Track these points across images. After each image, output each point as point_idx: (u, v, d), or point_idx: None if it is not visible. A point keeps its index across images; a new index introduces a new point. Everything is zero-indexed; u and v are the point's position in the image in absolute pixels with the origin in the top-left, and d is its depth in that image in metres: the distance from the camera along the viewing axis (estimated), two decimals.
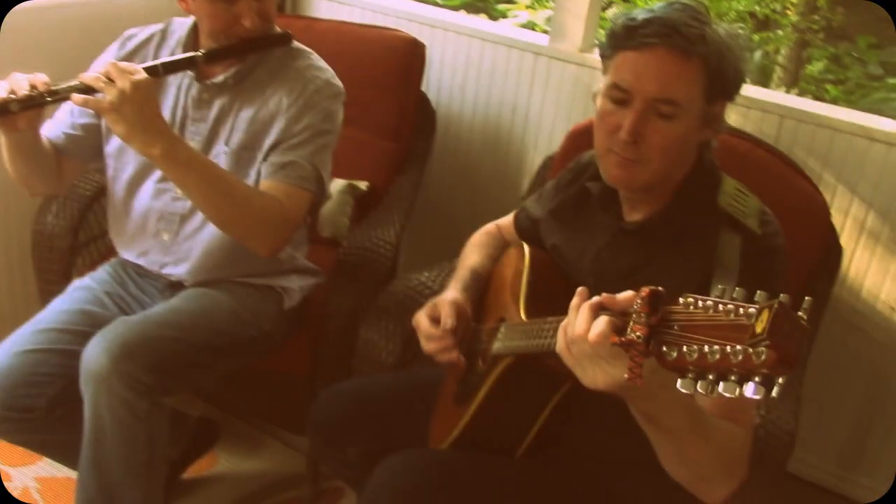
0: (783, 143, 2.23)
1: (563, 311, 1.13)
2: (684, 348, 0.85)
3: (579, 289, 1.09)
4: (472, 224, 1.88)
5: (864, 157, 2.17)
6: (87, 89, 1.57)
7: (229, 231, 1.73)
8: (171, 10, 1.81)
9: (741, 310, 0.82)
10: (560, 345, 1.08)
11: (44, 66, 1.66)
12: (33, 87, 1.58)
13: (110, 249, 2.06)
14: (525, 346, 1.31)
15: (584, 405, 1.37)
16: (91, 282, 1.95)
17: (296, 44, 1.87)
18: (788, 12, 5.96)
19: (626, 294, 1.01)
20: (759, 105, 2.27)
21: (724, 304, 0.84)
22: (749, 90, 2.37)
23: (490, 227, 1.83)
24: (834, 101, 5.73)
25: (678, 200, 1.39)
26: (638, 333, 0.90)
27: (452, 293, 1.59)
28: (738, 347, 0.80)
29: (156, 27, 1.91)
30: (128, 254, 1.95)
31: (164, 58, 1.78)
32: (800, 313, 0.81)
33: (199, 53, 1.73)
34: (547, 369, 1.30)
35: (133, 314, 1.86)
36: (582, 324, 1.03)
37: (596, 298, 1.05)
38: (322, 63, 1.88)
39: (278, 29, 1.84)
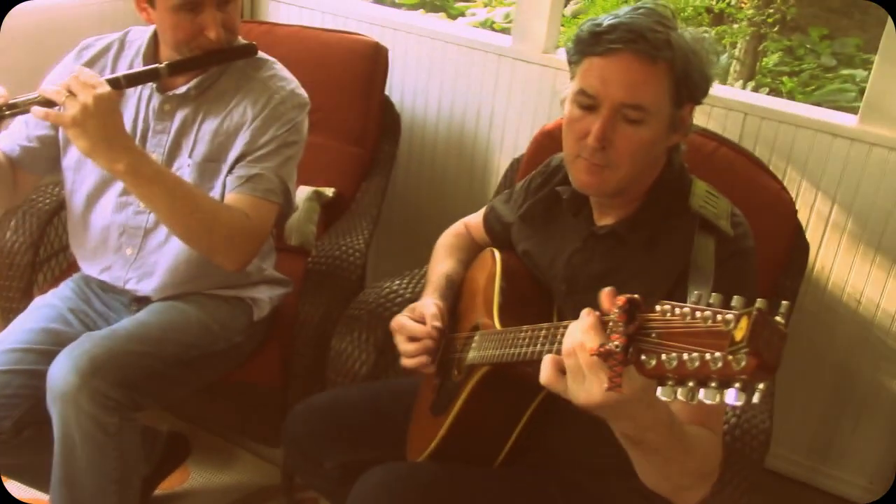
0: (747, 141, 2.26)
1: (537, 318, 1.12)
2: (663, 356, 0.85)
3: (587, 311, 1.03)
4: (440, 228, 1.87)
5: (827, 152, 2.19)
6: (48, 102, 1.53)
7: (195, 246, 1.70)
8: (128, 18, 1.77)
9: (718, 316, 0.82)
10: (548, 373, 1.05)
11: None
12: None
13: (72, 264, 2.02)
14: (501, 354, 1.30)
15: (560, 412, 1.36)
16: (54, 299, 1.90)
17: (260, 53, 1.84)
18: (743, 5, 6.03)
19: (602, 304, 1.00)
20: (723, 103, 2.28)
21: (702, 310, 0.84)
22: (713, 88, 2.39)
23: (459, 227, 1.82)
24: (790, 94, 5.82)
25: (649, 204, 1.39)
26: (616, 342, 0.90)
27: (431, 299, 1.58)
28: (718, 355, 0.80)
29: (113, 36, 1.87)
30: (90, 269, 1.91)
31: (126, 70, 1.75)
32: (778, 318, 0.81)
33: (163, 66, 1.69)
34: (523, 377, 1.29)
35: (98, 330, 1.82)
36: (589, 341, 0.99)
37: (592, 317, 1.01)
38: (286, 73, 1.85)
39: (242, 39, 1.82)
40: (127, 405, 1.64)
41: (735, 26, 5.66)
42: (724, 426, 1.59)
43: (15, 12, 2.33)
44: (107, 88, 1.53)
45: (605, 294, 0.98)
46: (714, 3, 5.40)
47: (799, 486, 2.52)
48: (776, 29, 5.80)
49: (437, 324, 1.50)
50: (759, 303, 0.80)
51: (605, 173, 1.33)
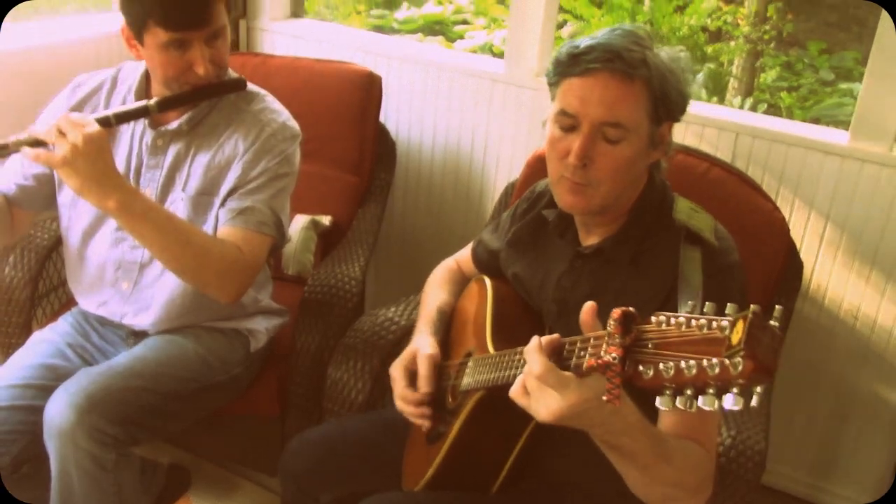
0: (740, 160, 2.26)
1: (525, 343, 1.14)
2: (660, 365, 0.86)
3: (534, 337, 1.09)
4: (437, 254, 1.88)
5: (819, 169, 2.20)
6: (39, 143, 1.55)
7: (188, 280, 1.71)
8: (121, 55, 1.79)
9: (714, 323, 0.84)
10: (515, 390, 1.09)
11: None
12: None
13: (71, 299, 2.03)
14: (495, 378, 1.31)
15: (557, 437, 1.37)
16: (52, 334, 1.92)
17: (251, 86, 1.86)
18: (740, 23, 6.06)
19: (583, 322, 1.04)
20: (714, 123, 2.29)
21: (697, 319, 0.85)
22: (703, 108, 2.40)
23: (449, 262, 1.83)
24: (788, 109, 5.83)
25: (632, 221, 1.41)
26: (613, 355, 0.92)
27: (426, 339, 1.59)
28: (715, 360, 0.81)
29: (106, 73, 1.89)
30: (87, 304, 1.92)
31: (116, 107, 1.77)
32: (772, 322, 0.83)
33: (152, 102, 1.71)
34: None
35: (96, 365, 1.83)
36: (532, 363, 1.06)
37: (536, 340, 1.08)
38: (277, 105, 1.87)
39: (233, 73, 1.84)
40: (124, 441, 1.65)
41: (732, 44, 5.68)
42: (719, 447, 1.59)
43: (10, 51, 2.36)
44: (96, 128, 1.55)
45: (586, 310, 1.02)
46: (709, 21, 5.42)
47: (801, 503, 2.51)
48: (773, 45, 5.82)
49: (428, 387, 1.52)
50: (754, 307, 0.82)
51: (588, 192, 1.35)
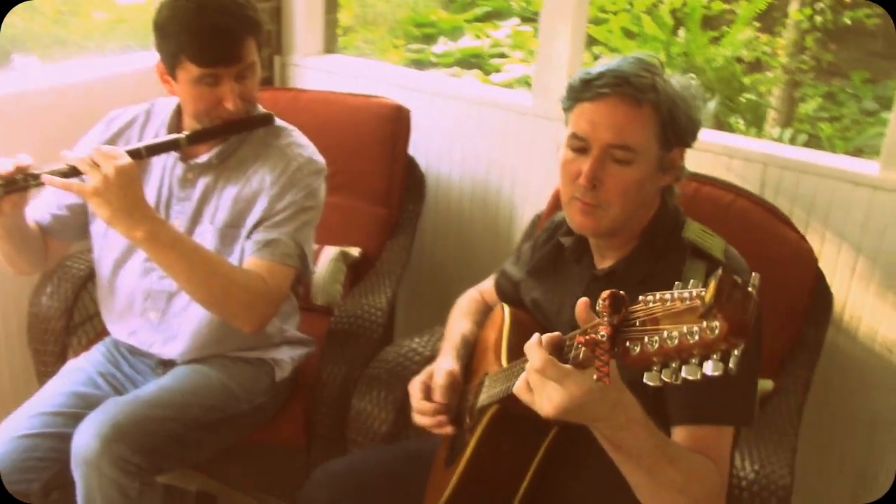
0: (768, 191, 2.25)
1: None
2: (645, 339, 0.89)
3: (534, 334, 1.12)
4: (466, 284, 1.89)
5: (850, 201, 2.17)
6: (72, 173, 1.60)
7: (213, 310, 1.75)
8: (155, 90, 1.85)
9: (694, 292, 0.87)
10: (518, 386, 1.12)
11: (31, 147, 1.69)
12: (18, 170, 1.62)
13: (105, 328, 2.07)
14: (506, 388, 1.32)
15: (571, 459, 1.37)
16: (84, 362, 1.96)
17: (278, 121, 1.90)
18: (779, 52, 6.03)
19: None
20: (742, 154, 2.28)
21: (680, 293, 0.88)
22: (730, 139, 2.39)
23: (472, 293, 1.85)
24: (829, 140, 5.77)
25: (644, 243, 1.44)
26: (602, 332, 0.94)
27: (448, 361, 1.60)
28: (695, 327, 0.84)
29: (139, 107, 1.95)
30: (118, 333, 1.96)
31: (148, 140, 1.82)
32: (749, 288, 0.84)
33: (182, 136, 1.76)
34: (532, 413, 1.31)
35: (126, 393, 1.86)
36: (532, 358, 1.08)
37: (536, 336, 1.10)
38: (304, 140, 1.91)
39: (261, 108, 1.88)
40: (148, 469, 1.67)
41: (769, 74, 5.66)
42: (742, 481, 1.57)
43: (52, 88, 2.44)
44: (127, 160, 1.60)
45: (580, 305, 1.06)
46: (745, 52, 5.41)
47: None
48: (811, 76, 5.78)
49: (442, 397, 1.54)
50: (735, 277, 0.85)
51: (598, 213, 1.39)
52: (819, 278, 1.95)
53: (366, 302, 2.19)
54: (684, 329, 0.84)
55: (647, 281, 1.39)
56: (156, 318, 1.90)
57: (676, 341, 0.85)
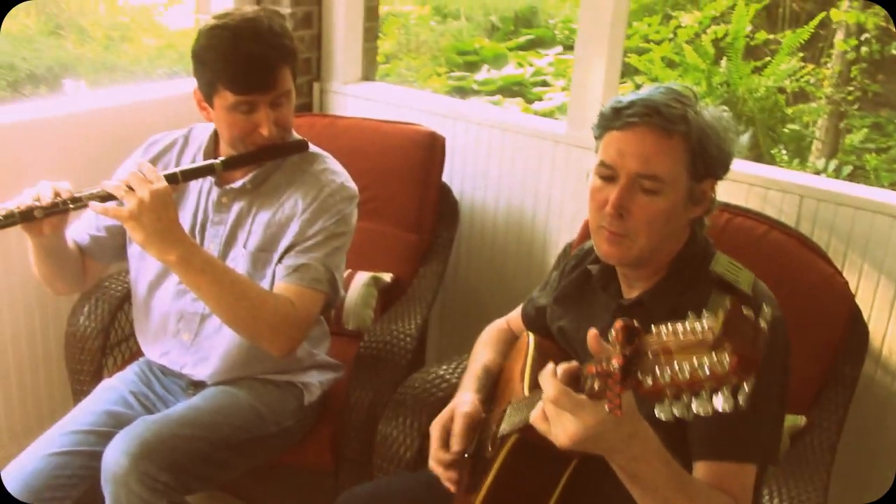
0: (804, 224, 2.22)
1: None
2: (657, 371, 0.88)
3: (549, 364, 1.12)
4: (499, 311, 1.89)
5: (889, 234, 2.13)
6: (109, 196, 1.64)
7: (242, 332, 1.77)
8: (194, 116, 1.89)
9: (706, 325, 0.86)
10: (535, 415, 1.12)
11: (76, 168, 1.73)
12: (57, 194, 1.66)
13: (139, 349, 2.11)
14: (525, 418, 1.31)
15: (593, 487, 1.36)
16: (118, 382, 1.99)
17: (312, 148, 1.93)
18: (824, 83, 5.96)
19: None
20: (778, 185, 2.26)
21: (692, 325, 0.87)
22: (767, 170, 2.37)
23: (500, 322, 1.85)
24: (875, 171, 5.67)
25: (671, 275, 1.42)
26: (614, 364, 0.94)
27: (467, 396, 1.59)
28: (705, 360, 0.84)
29: (178, 133, 1.99)
30: (151, 353, 1.99)
31: (185, 165, 1.86)
32: (762, 322, 0.85)
33: (218, 161, 1.79)
34: (552, 443, 1.30)
35: (157, 412, 1.89)
36: (547, 388, 1.08)
37: (550, 366, 1.10)
38: (337, 167, 1.93)
39: (296, 135, 1.91)
40: (175, 488, 1.68)
41: (813, 105, 5.60)
42: None
43: (94, 111, 2.51)
44: (163, 184, 1.63)
45: (590, 337, 1.05)
46: (788, 82, 5.35)
47: None
48: (856, 106, 5.70)
49: (459, 445, 1.52)
50: (745, 308, 0.85)
51: (625, 242, 1.38)
52: (855, 313, 1.92)
53: (395, 328, 2.20)
54: (695, 362, 0.84)
55: (674, 314, 1.38)
56: (188, 340, 1.93)
57: (688, 374, 0.84)
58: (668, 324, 0.91)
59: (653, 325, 0.93)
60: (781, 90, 5.31)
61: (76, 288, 2.00)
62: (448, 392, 1.90)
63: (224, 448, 1.80)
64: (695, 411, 0.85)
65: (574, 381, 1.08)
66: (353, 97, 2.98)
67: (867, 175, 5.56)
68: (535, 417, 1.11)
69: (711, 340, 0.83)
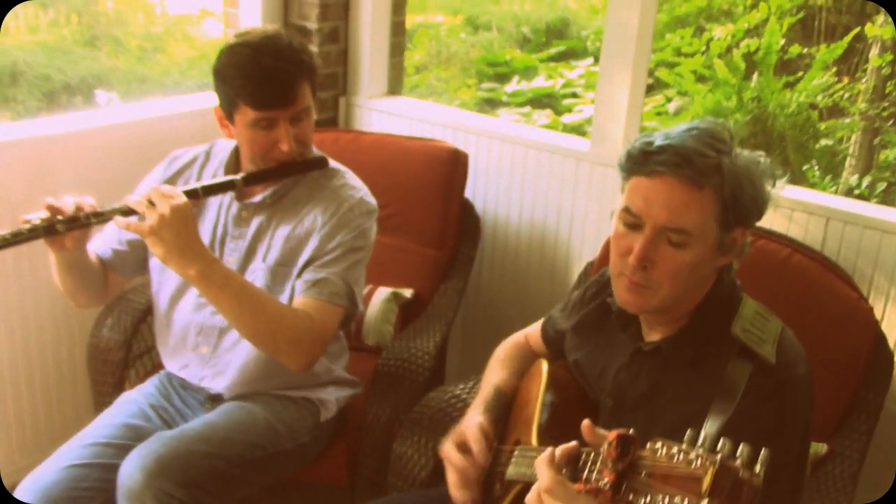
0: (830, 246, 2.18)
1: (580, 435, 1.12)
2: (648, 497, 0.84)
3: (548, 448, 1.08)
4: (521, 326, 1.87)
5: None
6: (130, 211, 1.66)
7: (260, 346, 1.77)
8: (217, 132, 1.90)
9: (699, 460, 0.82)
10: (529, 498, 1.08)
11: (102, 181, 1.75)
12: (79, 209, 1.68)
13: (160, 362, 2.12)
14: (531, 475, 1.29)
15: None
16: (137, 395, 2.01)
17: (332, 163, 1.93)
18: (858, 98, 5.88)
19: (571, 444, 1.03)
20: (804, 207, 2.22)
21: (686, 452, 0.83)
22: (793, 191, 2.33)
23: (518, 337, 1.83)
24: None
25: (693, 323, 1.37)
26: (605, 480, 0.89)
27: (477, 419, 1.57)
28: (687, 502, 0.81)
29: (200, 148, 2.01)
30: (171, 366, 2.01)
31: (206, 181, 1.87)
32: (757, 468, 0.80)
33: (238, 178, 1.80)
34: None
35: (175, 426, 1.90)
36: (541, 477, 1.05)
37: (548, 452, 1.06)
38: (357, 181, 1.94)
39: (316, 151, 1.92)
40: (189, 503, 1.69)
41: (846, 120, 5.52)
42: None
43: (122, 126, 2.54)
44: (183, 200, 1.65)
45: (584, 427, 1.01)
46: (820, 98, 5.29)
47: None
48: (891, 122, 5.61)
49: (479, 448, 1.49)
50: (741, 448, 0.81)
51: (647, 293, 1.32)
52: (879, 339, 1.88)
53: (413, 345, 2.20)
54: (677, 501, 0.81)
55: (695, 365, 1.34)
56: (207, 353, 1.94)
57: None
58: (663, 444, 0.87)
59: (648, 442, 0.89)
60: (813, 105, 5.24)
61: (99, 301, 2.02)
62: (464, 412, 1.89)
63: (240, 465, 1.80)
64: None
65: (573, 463, 1.05)
66: (378, 112, 2.99)
67: None
68: (530, 500, 1.07)
69: (699, 491, 0.80)
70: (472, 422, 1.55)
